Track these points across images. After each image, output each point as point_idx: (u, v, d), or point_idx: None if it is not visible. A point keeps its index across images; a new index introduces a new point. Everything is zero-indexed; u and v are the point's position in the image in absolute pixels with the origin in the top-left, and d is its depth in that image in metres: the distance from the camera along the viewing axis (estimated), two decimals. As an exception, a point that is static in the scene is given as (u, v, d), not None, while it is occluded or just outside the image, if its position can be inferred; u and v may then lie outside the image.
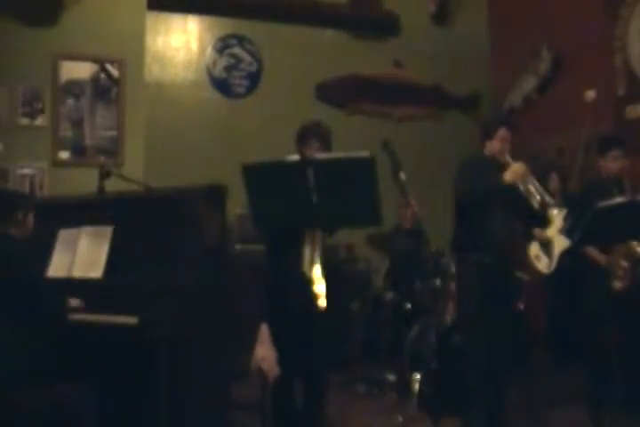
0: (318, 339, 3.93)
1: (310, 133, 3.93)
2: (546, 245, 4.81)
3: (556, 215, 4.79)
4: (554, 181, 5.59)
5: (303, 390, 3.95)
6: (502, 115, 7.14)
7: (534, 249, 4.80)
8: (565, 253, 4.82)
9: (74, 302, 3.61)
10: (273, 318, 3.85)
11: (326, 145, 3.89)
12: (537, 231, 4.81)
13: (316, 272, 3.68)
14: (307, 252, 3.73)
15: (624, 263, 4.43)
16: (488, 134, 4.48)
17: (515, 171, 4.24)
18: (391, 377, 5.25)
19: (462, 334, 4.71)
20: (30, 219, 3.67)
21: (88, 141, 5.89)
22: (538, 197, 4.29)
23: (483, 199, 4.30)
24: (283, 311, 3.79)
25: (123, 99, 6.00)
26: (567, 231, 4.68)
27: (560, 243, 4.80)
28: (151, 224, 3.89)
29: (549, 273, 4.79)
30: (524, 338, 4.90)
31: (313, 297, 3.68)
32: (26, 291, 3.41)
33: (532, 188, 4.32)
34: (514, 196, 4.32)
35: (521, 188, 4.31)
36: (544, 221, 4.52)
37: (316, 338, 3.90)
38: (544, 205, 4.26)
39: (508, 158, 4.34)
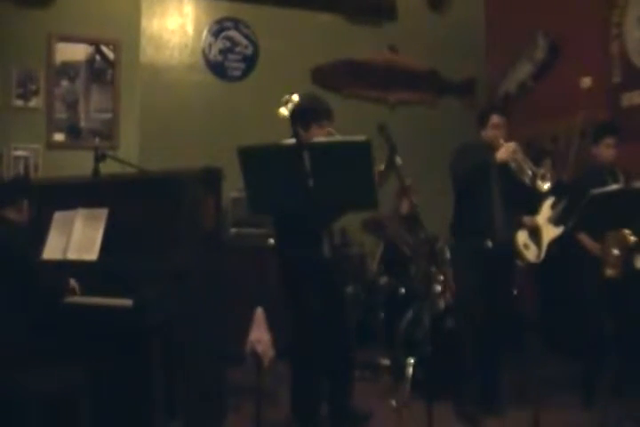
0: (345, 324, 4.02)
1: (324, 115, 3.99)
2: (534, 234, 4.84)
3: (544, 204, 4.84)
4: (547, 166, 5.59)
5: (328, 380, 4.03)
6: (494, 102, 7.15)
7: (522, 237, 4.83)
8: (555, 241, 4.86)
9: (72, 283, 3.61)
10: (299, 301, 3.90)
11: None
12: (527, 219, 4.84)
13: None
14: (325, 237, 3.81)
15: (616, 251, 4.45)
16: (481, 123, 4.54)
17: (506, 148, 4.30)
18: (385, 361, 5.26)
19: (457, 319, 4.74)
20: (28, 203, 3.67)
21: (83, 124, 5.88)
22: (529, 172, 4.32)
23: (477, 177, 4.34)
24: (310, 294, 3.83)
25: (118, 81, 5.99)
26: (559, 219, 4.71)
27: (549, 231, 4.83)
28: (146, 207, 3.88)
29: (538, 262, 4.83)
30: (517, 323, 4.93)
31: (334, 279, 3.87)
32: (24, 275, 3.42)
33: (523, 164, 4.34)
34: (506, 173, 4.37)
35: (513, 165, 4.35)
36: (535, 200, 4.56)
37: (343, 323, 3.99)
38: (534, 178, 4.28)
39: (502, 141, 4.38)
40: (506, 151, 4.31)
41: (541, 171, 4.28)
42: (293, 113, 4.03)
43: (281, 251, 4.00)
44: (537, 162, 4.73)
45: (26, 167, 5.65)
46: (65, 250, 3.88)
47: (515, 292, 4.98)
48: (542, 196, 4.66)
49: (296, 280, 3.89)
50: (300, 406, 3.97)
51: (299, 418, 3.96)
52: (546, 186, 4.26)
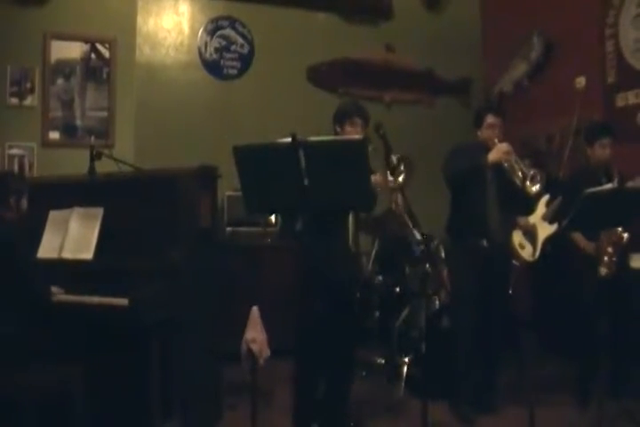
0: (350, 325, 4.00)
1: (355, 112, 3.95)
2: (529, 233, 4.84)
3: (539, 202, 4.84)
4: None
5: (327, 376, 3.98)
6: (489, 102, 7.15)
7: (517, 237, 4.83)
8: (550, 240, 4.86)
9: (56, 290, 3.60)
10: (313, 298, 3.86)
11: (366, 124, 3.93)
12: (520, 220, 4.84)
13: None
14: (351, 229, 3.79)
15: (610, 250, 4.46)
16: (477, 123, 4.54)
17: (498, 149, 4.31)
18: (380, 360, 5.27)
19: (452, 318, 4.74)
20: (24, 203, 3.66)
21: (78, 122, 5.87)
22: (519, 174, 4.32)
23: (469, 178, 4.35)
24: (327, 289, 3.80)
25: (113, 79, 5.98)
26: (553, 217, 4.71)
27: (544, 230, 4.84)
28: (142, 206, 3.87)
29: (533, 261, 4.83)
30: (512, 322, 4.93)
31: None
32: (18, 274, 3.41)
33: (514, 165, 4.35)
34: (500, 173, 4.37)
35: (505, 165, 4.35)
36: (527, 201, 4.56)
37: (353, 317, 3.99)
38: (524, 179, 4.28)
39: (496, 142, 4.38)
40: (497, 152, 4.31)
41: (531, 173, 4.28)
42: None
43: (301, 247, 3.98)
44: (535, 163, 4.74)
45: (21, 166, 5.64)
46: (60, 249, 3.87)
47: (510, 291, 4.99)
48: (536, 196, 4.66)
49: (310, 278, 3.88)
50: (300, 406, 3.96)
51: (299, 419, 3.95)
52: (534, 188, 4.26)
